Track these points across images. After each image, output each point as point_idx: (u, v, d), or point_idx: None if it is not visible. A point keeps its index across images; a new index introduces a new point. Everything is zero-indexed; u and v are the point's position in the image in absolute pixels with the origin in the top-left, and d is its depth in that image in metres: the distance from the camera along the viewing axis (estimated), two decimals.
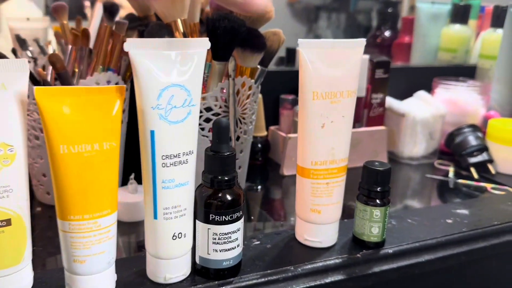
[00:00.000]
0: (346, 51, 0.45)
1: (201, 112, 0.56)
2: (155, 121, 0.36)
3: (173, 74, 0.36)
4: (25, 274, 0.39)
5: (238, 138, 0.61)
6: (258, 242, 0.50)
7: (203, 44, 0.37)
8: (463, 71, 1.00)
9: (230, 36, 0.52)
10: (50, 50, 0.67)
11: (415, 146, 0.83)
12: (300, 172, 0.47)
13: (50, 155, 0.35)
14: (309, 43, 0.44)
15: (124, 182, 0.62)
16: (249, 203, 0.68)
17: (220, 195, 0.41)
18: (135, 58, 0.35)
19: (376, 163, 0.48)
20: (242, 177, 0.67)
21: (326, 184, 0.47)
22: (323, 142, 0.46)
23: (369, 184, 0.48)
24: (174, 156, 0.37)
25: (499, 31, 0.96)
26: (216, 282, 0.42)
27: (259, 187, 0.74)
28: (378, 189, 0.47)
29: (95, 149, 0.36)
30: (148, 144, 0.37)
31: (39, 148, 0.56)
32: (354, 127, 0.81)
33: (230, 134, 0.58)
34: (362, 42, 0.46)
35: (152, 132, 0.36)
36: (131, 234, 0.56)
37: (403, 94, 0.90)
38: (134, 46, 0.35)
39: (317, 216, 0.48)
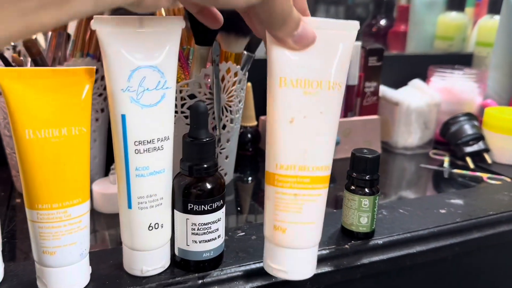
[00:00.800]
0: (333, 34, 0.36)
1: (184, 99, 0.54)
2: (126, 104, 0.34)
3: (144, 54, 0.34)
4: None
5: (224, 127, 0.59)
6: (243, 234, 0.48)
7: (178, 22, 0.35)
8: (460, 59, 0.98)
9: None
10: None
11: (409, 136, 0.81)
12: (266, 177, 0.38)
13: (15, 141, 0.33)
14: None
15: (107, 173, 0.60)
16: (239, 194, 0.66)
17: (199, 183, 0.39)
18: (103, 37, 0.33)
19: (365, 151, 0.46)
20: (230, 167, 0.65)
21: (293, 195, 0.37)
22: (291, 140, 0.36)
23: (358, 172, 0.46)
24: (147, 142, 0.35)
25: (496, 18, 0.94)
26: (196, 275, 0.40)
27: (249, 178, 0.72)
28: (367, 177, 0.45)
29: (63, 134, 0.34)
30: (120, 129, 0.35)
31: None
32: (346, 116, 0.80)
33: (216, 122, 0.56)
34: (355, 25, 0.36)
35: (123, 116, 0.34)
36: (112, 225, 0.54)
37: (398, 82, 0.88)
38: (102, 24, 0.32)
39: (281, 235, 0.38)
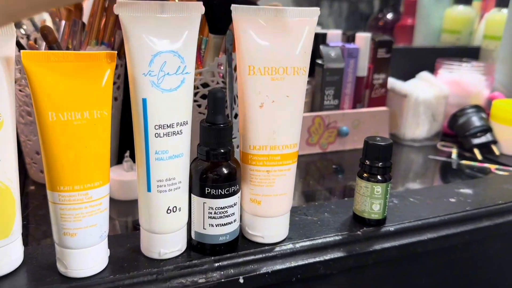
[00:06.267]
0: (294, 21, 0.39)
1: (197, 88, 0.54)
2: (147, 88, 0.34)
3: (165, 39, 0.34)
4: (15, 248, 0.38)
5: (236, 116, 0.59)
6: None
7: (198, 8, 0.35)
8: (467, 53, 0.98)
9: (227, 8, 0.50)
10: None
11: (417, 128, 0.81)
12: (241, 157, 0.43)
13: (38, 123, 0.34)
14: (244, 9, 0.38)
15: (119, 160, 0.61)
16: None
17: (216, 168, 0.39)
18: (125, 22, 0.33)
19: (378, 138, 0.47)
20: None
21: (266, 172, 0.41)
22: (262, 124, 0.40)
23: (370, 159, 0.46)
24: (167, 126, 0.36)
25: (504, 11, 0.94)
26: (212, 258, 0.41)
27: None
28: (380, 164, 0.46)
29: (85, 117, 0.34)
30: (140, 113, 0.35)
31: (32, 124, 0.55)
32: (355, 107, 0.80)
33: (228, 111, 0.57)
34: (315, 11, 0.40)
35: (144, 100, 0.35)
36: (126, 212, 0.54)
37: (406, 75, 0.88)
38: (125, 9, 0.33)
39: (257, 207, 0.42)
